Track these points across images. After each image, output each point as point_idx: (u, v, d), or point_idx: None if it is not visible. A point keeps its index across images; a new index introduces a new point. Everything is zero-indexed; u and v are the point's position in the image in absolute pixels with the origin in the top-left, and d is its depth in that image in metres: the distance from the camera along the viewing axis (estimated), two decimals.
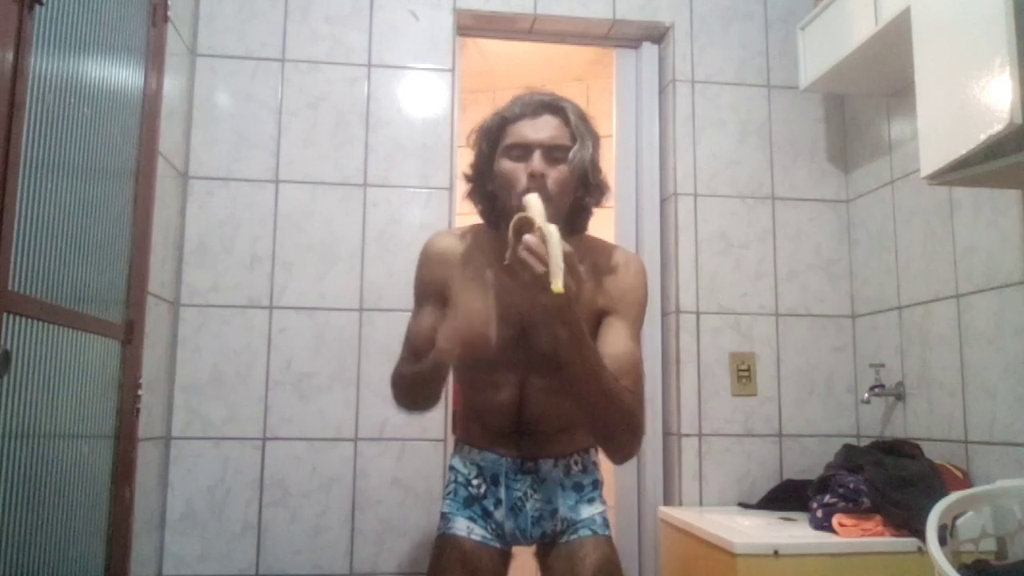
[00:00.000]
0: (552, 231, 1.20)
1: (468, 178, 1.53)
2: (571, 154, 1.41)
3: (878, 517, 1.75)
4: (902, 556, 1.67)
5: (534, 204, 1.26)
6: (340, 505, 2.10)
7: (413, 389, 1.49)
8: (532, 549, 1.59)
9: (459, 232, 1.56)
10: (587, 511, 1.52)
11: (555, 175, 1.40)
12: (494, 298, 1.47)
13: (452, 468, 1.60)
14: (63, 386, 1.42)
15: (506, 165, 1.42)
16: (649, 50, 2.48)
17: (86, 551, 1.56)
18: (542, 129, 1.42)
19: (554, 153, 1.41)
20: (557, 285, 1.17)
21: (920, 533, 1.48)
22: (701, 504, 2.20)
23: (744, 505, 2.19)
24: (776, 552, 1.65)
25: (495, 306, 1.46)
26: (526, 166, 1.39)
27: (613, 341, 1.42)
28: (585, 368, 1.30)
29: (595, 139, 1.46)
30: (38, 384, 1.31)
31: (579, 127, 1.43)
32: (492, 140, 1.47)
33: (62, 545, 1.44)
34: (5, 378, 1.18)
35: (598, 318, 1.47)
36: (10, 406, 1.21)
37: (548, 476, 1.52)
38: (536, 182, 1.38)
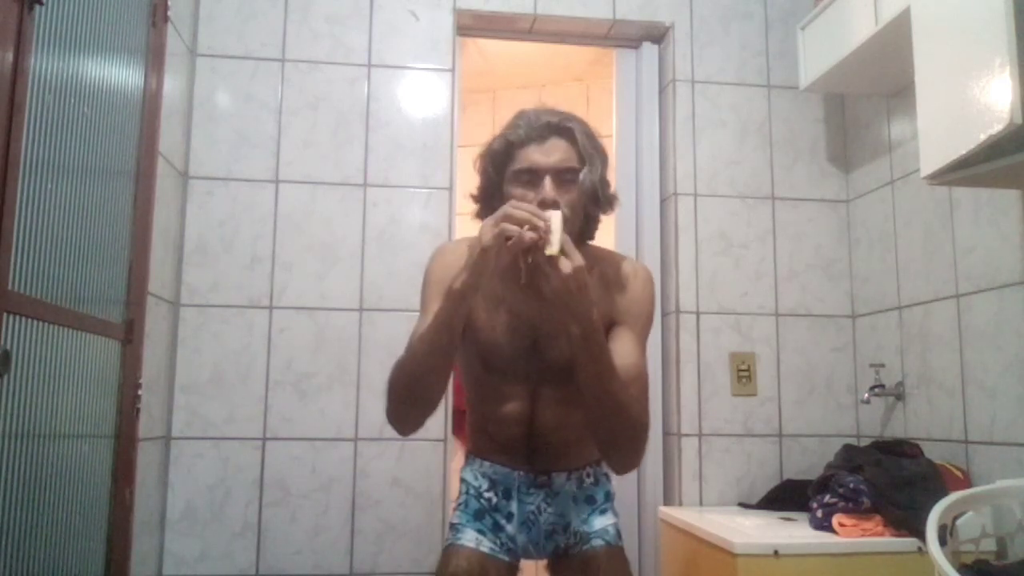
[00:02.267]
0: (556, 217, 1.25)
1: (476, 199, 1.52)
2: (582, 177, 1.40)
3: (878, 517, 1.75)
4: (902, 556, 1.67)
5: (555, 220, 1.27)
6: (340, 505, 2.10)
7: (421, 364, 1.35)
8: (543, 563, 1.58)
9: (468, 243, 1.54)
10: (600, 522, 1.52)
11: (567, 199, 1.39)
12: (505, 309, 1.46)
13: (463, 480, 1.58)
14: (63, 386, 1.42)
15: (516, 191, 1.41)
16: (649, 50, 2.48)
17: (86, 551, 1.56)
18: (551, 153, 1.40)
19: (564, 176, 1.40)
20: (552, 248, 1.22)
21: (920, 533, 1.48)
22: (701, 504, 2.20)
23: (744, 505, 2.18)
24: (776, 552, 1.64)
25: (506, 317, 1.46)
26: (536, 193, 1.38)
27: (620, 351, 1.41)
28: (598, 369, 1.29)
29: (603, 156, 1.46)
30: (38, 384, 1.31)
31: (587, 147, 1.42)
32: (499, 165, 1.45)
33: (62, 545, 1.44)
34: (5, 378, 1.18)
35: (606, 328, 1.46)
36: (10, 406, 1.21)
37: (561, 490, 1.51)
38: (548, 208, 1.36)
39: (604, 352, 1.31)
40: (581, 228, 1.48)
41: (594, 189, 1.42)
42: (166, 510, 2.05)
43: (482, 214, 1.52)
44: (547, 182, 1.38)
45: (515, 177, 1.42)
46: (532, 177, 1.40)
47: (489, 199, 1.48)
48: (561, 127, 1.42)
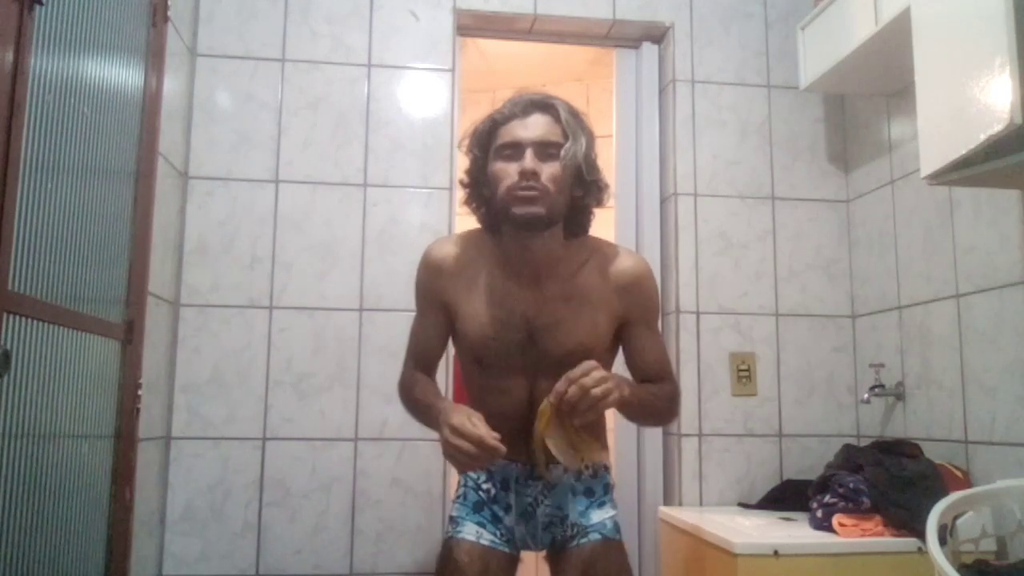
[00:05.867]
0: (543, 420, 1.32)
1: (464, 184, 1.52)
2: (563, 151, 1.40)
3: (878, 517, 1.75)
4: (902, 556, 1.67)
5: (545, 412, 1.32)
6: (340, 505, 2.10)
7: (415, 416, 1.54)
8: (542, 552, 1.59)
9: (457, 238, 1.56)
10: (597, 516, 1.52)
11: (548, 171, 1.40)
12: (498, 303, 1.47)
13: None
14: (63, 386, 1.42)
15: (498, 165, 1.43)
16: (649, 50, 2.48)
17: (86, 551, 1.56)
18: (533, 127, 1.41)
19: (547, 149, 1.41)
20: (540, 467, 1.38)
21: (920, 533, 1.47)
22: (701, 504, 2.20)
23: (744, 505, 2.18)
24: (776, 552, 1.65)
25: (500, 311, 1.46)
26: (518, 165, 1.39)
27: (647, 348, 1.52)
28: (641, 411, 1.48)
29: (589, 135, 1.45)
30: (38, 384, 1.31)
31: (570, 123, 1.42)
32: (484, 143, 1.47)
33: (62, 545, 1.44)
34: (5, 378, 1.18)
35: (616, 321, 1.50)
36: (10, 406, 1.21)
37: (559, 482, 1.51)
38: (528, 179, 1.38)
39: (640, 401, 1.43)
40: (572, 219, 1.49)
41: (576, 163, 1.42)
42: (166, 510, 2.05)
43: (470, 199, 1.53)
44: (528, 154, 1.39)
45: (498, 152, 1.43)
46: (514, 151, 1.41)
47: (476, 181, 1.50)
48: (544, 104, 1.44)
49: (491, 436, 1.25)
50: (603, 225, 1.63)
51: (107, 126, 1.59)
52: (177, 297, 2.11)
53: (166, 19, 1.90)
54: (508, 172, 1.40)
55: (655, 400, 1.49)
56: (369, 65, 2.28)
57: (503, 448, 1.25)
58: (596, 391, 1.27)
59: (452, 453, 1.28)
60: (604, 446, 1.59)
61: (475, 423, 1.27)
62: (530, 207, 1.39)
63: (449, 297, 1.50)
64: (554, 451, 1.30)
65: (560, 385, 1.29)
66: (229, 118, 2.20)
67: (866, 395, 2.12)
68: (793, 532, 1.80)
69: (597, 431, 1.54)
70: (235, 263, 2.15)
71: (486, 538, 1.50)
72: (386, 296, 2.19)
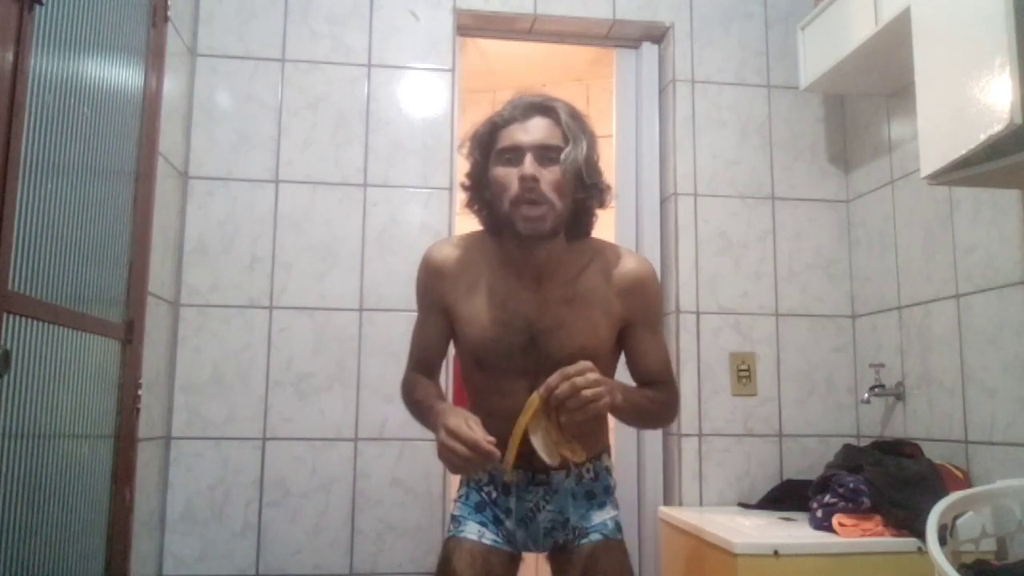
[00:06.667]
0: (523, 424, 1.31)
1: (465, 187, 1.52)
2: (563, 155, 1.39)
3: (878, 517, 1.75)
4: (902, 556, 1.67)
5: (533, 403, 1.31)
6: (340, 505, 2.10)
7: (415, 417, 1.55)
8: (544, 554, 1.59)
9: (458, 240, 1.55)
10: (598, 516, 1.51)
11: (548, 176, 1.39)
12: (500, 305, 1.46)
13: None
14: (63, 386, 1.42)
15: (498, 171, 1.42)
16: (649, 50, 2.48)
17: (86, 551, 1.56)
18: (532, 131, 1.41)
19: (548, 154, 1.40)
20: (506, 468, 1.35)
21: (920, 533, 1.48)
22: (701, 504, 2.20)
23: (744, 505, 2.18)
24: (776, 552, 1.64)
25: (501, 313, 1.46)
26: (518, 170, 1.38)
27: (648, 350, 1.52)
28: (636, 413, 1.49)
29: (590, 137, 1.44)
30: (38, 384, 1.31)
31: (571, 126, 1.41)
32: (484, 147, 1.46)
33: (62, 545, 1.44)
34: (5, 378, 1.18)
35: (618, 324, 1.50)
36: (10, 406, 1.21)
37: (560, 487, 1.51)
38: (527, 185, 1.37)
39: (634, 407, 1.44)
40: (575, 221, 1.48)
41: (577, 166, 1.40)
42: (166, 510, 2.05)
43: (471, 202, 1.52)
44: (528, 159, 1.39)
45: (498, 157, 1.43)
46: (514, 155, 1.40)
47: (477, 183, 1.50)
48: (544, 107, 1.43)
49: (486, 440, 1.25)
50: (603, 225, 1.62)
51: (107, 126, 1.59)
52: (177, 297, 2.11)
53: (166, 19, 1.90)
54: (508, 177, 1.39)
55: (651, 405, 1.49)
56: (369, 65, 2.28)
57: (498, 453, 1.25)
58: (587, 393, 1.26)
59: (447, 456, 1.29)
60: (606, 447, 1.59)
61: (471, 426, 1.27)
62: (535, 224, 1.39)
63: (450, 299, 1.50)
64: (535, 444, 1.29)
65: (553, 379, 1.28)
66: (229, 118, 2.20)
67: (866, 395, 2.12)
68: (793, 532, 1.80)
69: (595, 431, 1.53)
70: (235, 263, 2.15)
71: (488, 538, 1.49)
72: (386, 296, 2.19)
